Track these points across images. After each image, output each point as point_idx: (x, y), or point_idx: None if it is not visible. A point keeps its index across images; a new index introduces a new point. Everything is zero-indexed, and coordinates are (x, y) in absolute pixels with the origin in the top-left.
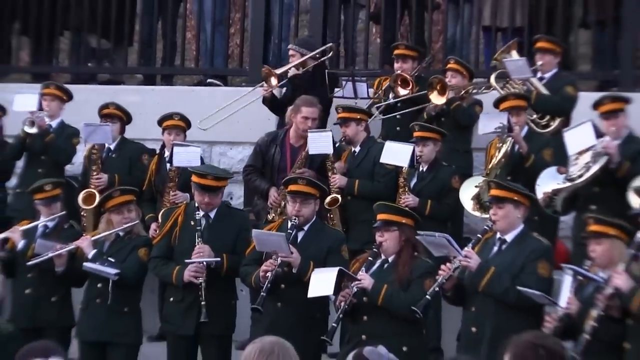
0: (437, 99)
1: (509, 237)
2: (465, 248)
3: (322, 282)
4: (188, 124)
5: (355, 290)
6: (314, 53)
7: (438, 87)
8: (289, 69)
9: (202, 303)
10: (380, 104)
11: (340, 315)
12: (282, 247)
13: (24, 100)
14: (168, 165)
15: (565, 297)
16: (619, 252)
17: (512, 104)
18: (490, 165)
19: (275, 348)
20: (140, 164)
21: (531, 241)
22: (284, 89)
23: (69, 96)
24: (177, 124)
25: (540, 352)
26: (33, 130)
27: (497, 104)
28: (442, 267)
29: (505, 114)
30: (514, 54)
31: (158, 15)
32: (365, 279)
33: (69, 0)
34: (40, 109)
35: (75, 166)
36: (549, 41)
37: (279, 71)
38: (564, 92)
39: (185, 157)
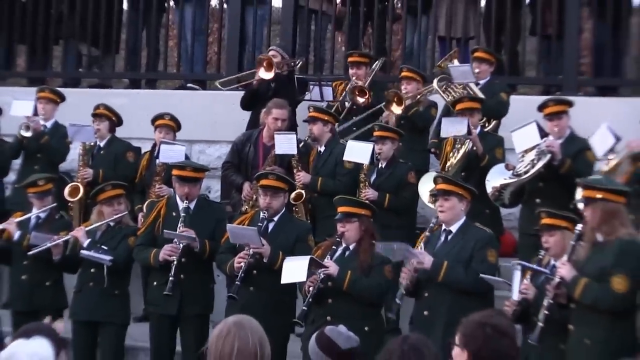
0: (396, 110)
1: (453, 228)
2: (418, 250)
3: (294, 270)
4: (178, 125)
5: (322, 276)
6: (290, 60)
7: (395, 100)
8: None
9: (171, 278)
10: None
11: (310, 300)
12: (254, 240)
13: (21, 106)
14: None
15: (517, 290)
16: (570, 242)
17: (467, 105)
18: (448, 164)
19: (232, 329)
20: (124, 160)
21: (475, 231)
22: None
23: (62, 98)
24: (167, 123)
25: (487, 330)
26: (28, 133)
27: (453, 105)
28: (403, 269)
29: (465, 119)
30: (456, 62)
31: (143, 25)
32: (331, 267)
33: (62, 11)
34: (35, 113)
35: (67, 162)
36: (485, 52)
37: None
38: (499, 97)
39: (170, 154)
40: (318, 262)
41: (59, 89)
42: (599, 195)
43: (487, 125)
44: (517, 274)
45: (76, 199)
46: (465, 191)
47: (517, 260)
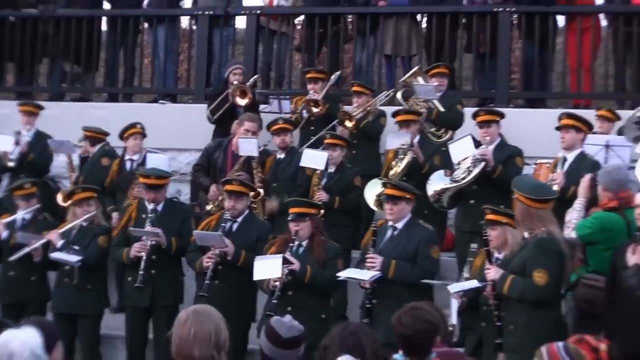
0: (348, 125)
1: (399, 225)
2: (368, 254)
3: (268, 267)
4: (145, 133)
5: (287, 271)
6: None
7: (346, 118)
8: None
9: (141, 272)
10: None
11: (279, 293)
12: (218, 242)
13: (1, 141)
14: (133, 165)
15: (455, 316)
16: (510, 236)
17: (405, 117)
18: (392, 172)
19: (190, 316)
20: (99, 165)
21: (419, 228)
22: None
23: (40, 108)
24: (139, 131)
25: (417, 314)
26: (12, 164)
27: (393, 115)
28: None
29: (409, 133)
30: (420, 79)
31: (120, 45)
32: (295, 263)
33: (47, 32)
34: (17, 143)
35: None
36: (446, 67)
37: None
38: (455, 109)
39: (155, 162)
40: (286, 260)
41: (43, 102)
42: (516, 196)
43: (443, 135)
44: (454, 302)
45: (69, 203)
46: (412, 195)
47: (454, 291)
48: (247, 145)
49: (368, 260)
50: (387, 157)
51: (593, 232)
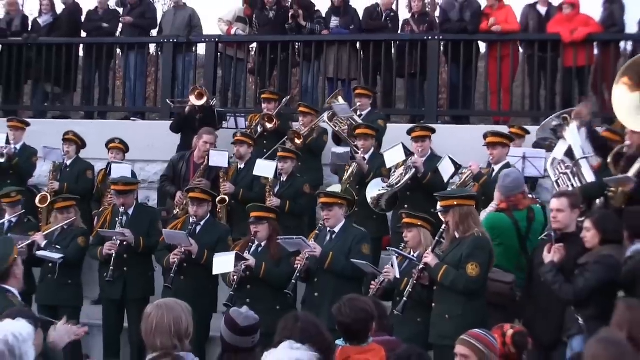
0: (297, 142)
1: (336, 229)
2: (310, 242)
3: (223, 263)
4: (126, 147)
5: (243, 267)
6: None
7: (295, 136)
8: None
9: (111, 268)
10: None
11: (235, 286)
12: (184, 241)
13: None
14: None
15: (396, 269)
16: (424, 237)
17: (363, 131)
18: (343, 179)
19: (152, 310)
20: (84, 176)
21: (353, 230)
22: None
23: (27, 124)
24: (117, 146)
25: (354, 304)
26: (2, 159)
27: (353, 130)
28: (297, 258)
29: (348, 148)
30: (340, 99)
31: (95, 68)
32: (250, 259)
33: (31, 57)
34: (7, 142)
35: (36, 178)
36: (364, 89)
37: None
38: (376, 124)
39: (119, 171)
40: (241, 256)
41: (27, 119)
42: (455, 202)
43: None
44: (394, 258)
45: (45, 205)
46: (343, 200)
47: (393, 248)
48: (218, 158)
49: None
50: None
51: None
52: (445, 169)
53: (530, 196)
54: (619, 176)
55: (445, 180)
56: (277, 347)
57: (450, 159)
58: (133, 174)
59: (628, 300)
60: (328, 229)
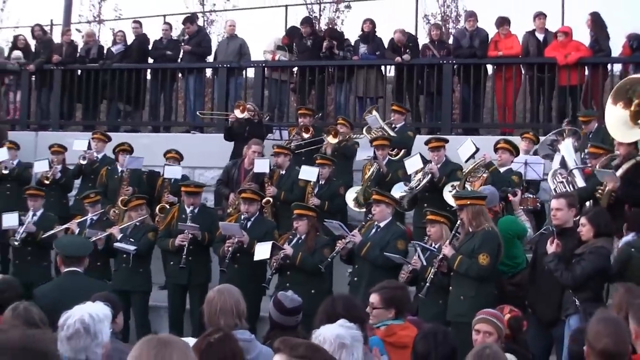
0: (332, 140)
1: (382, 224)
2: (354, 231)
3: (262, 251)
4: (181, 156)
5: (282, 255)
6: (261, 112)
7: (332, 132)
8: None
9: (184, 256)
10: (299, 145)
11: (273, 271)
12: (237, 232)
13: (79, 143)
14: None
15: (422, 259)
16: (445, 232)
17: (380, 142)
18: (365, 179)
19: (215, 295)
20: (143, 181)
21: (395, 227)
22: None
23: (109, 139)
24: (173, 156)
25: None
26: (84, 162)
27: (372, 141)
28: (338, 242)
29: (372, 148)
30: (375, 112)
31: (160, 89)
32: (287, 249)
33: (106, 80)
34: (89, 148)
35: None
36: (399, 106)
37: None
38: (406, 135)
39: (171, 172)
40: (279, 246)
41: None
42: (468, 202)
43: (397, 154)
44: (419, 250)
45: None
46: (390, 200)
47: (416, 242)
48: (261, 165)
49: (352, 234)
50: (364, 170)
51: None
52: (467, 148)
53: (531, 196)
54: (608, 171)
55: (463, 160)
56: (321, 323)
57: (472, 141)
58: (184, 176)
59: (626, 284)
60: (375, 223)
